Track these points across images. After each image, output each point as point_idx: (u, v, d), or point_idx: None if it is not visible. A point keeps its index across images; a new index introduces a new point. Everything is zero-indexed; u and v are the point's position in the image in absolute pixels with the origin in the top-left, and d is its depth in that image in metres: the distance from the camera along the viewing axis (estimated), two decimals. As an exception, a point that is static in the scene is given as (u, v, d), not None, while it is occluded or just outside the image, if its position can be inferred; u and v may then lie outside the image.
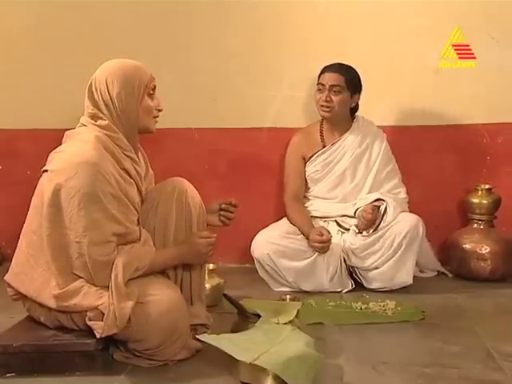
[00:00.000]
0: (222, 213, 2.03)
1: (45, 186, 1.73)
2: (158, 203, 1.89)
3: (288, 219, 2.70)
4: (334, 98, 2.62)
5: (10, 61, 3.07)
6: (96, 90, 1.80)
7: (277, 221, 2.76)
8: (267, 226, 2.69)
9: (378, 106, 2.92)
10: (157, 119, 1.88)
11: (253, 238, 2.62)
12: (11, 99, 3.07)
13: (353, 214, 2.64)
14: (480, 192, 2.77)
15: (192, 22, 2.99)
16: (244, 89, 2.98)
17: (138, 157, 1.88)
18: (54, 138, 3.00)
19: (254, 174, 3.03)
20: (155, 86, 1.85)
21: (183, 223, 1.90)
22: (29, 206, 2.92)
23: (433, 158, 2.96)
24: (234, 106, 2.99)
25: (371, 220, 2.54)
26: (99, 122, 1.79)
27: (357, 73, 2.67)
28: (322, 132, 2.75)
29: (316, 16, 2.94)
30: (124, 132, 1.81)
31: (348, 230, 2.64)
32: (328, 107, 2.63)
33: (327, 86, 2.62)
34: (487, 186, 2.76)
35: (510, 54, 2.88)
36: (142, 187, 1.88)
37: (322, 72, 2.67)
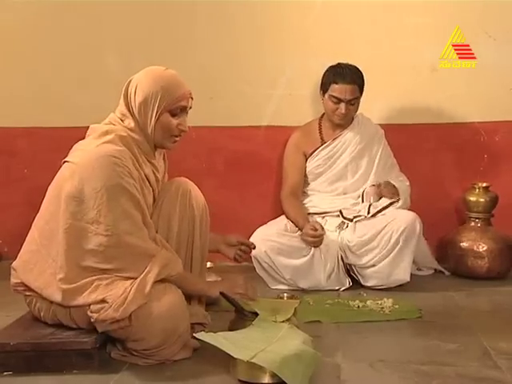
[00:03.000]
0: (238, 252, 2.12)
1: (66, 178, 1.72)
2: (162, 204, 1.90)
3: (284, 213, 2.71)
4: (351, 108, 2.64)
5: (7, 59, 3.07)
6: (129, 91, 1.81)
7: (274, 218, 2.76)
8: (265, 223, 2.70)
9: (375, 104, 2.92)
10: (177, 139, 1.86)
11: (250, 236, 2.62)
12: (8, 97, 3.07)
13: (351, 206, 2.69)
14: (477, 190, 2.77)
15: (189, 21, 2.99)
16: (241, 87, 2.98)
17: (158, 160, 1.90)
18: (51, 137, 3.04)
19: (252, 172, 3.03)
20: (185, 107, 1.82)
21: (186, 224, 1.91)
22: (26, 203, 2.93)
23: (430, 156, 2.97)
24: (231, 104, 3.00)
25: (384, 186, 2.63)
26: (127, 122, 1.80)
27: (362, 72, 2.66)
28: (320, 129, 2.77)
29: (313, 14, 2.94)
30: (145, 139, 1.81)
31: (351, 220, 2.64)
32: (345, 117, 2.65)
33: (345, 100, 2.61)
34: (484, 184, 2.77)
35: (507, 52, 2.89)
36: (157, 193, 1.90)
37: (335, 82, 2.61)
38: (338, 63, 2.67)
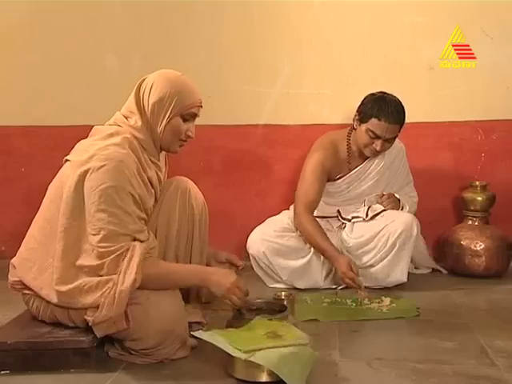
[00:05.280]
0: None
1: (68, 177, 1.72)
2: (161, 203, 1.90)
3: (303, 231, 2.55)
4: (386, 145, 2.52)
5: (3, 58, 3.06)
6: (142, 90, 1.80)
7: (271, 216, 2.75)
8: (262, 222, 2.68)
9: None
10: (183, 144, 1.86)
11: (248, 235, 2.61)
12: (4, 96, 3.06)
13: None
14: (475, 188, 2.78)
15: (186, 19, 2.98)
16: (239, 86, 2.98)
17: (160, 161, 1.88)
18: (48, 135, 3.03)
19: (249, 170, 3.03)
20: (196, 114, 1.83)
21: (186, 223, 1.91)
22: (23, 202, 2.92)
23: (428, 154, 2.97)
24: (229, 103, 2.99)
25: (386, 198, 2.59)
26: (134, 119, 1.79)
27: (405, 110, 2.51)
28: (349, 155, 2.63)
29: (310, 12, 2.94)
30: (151, 138, 1.81)
31: (349, 220, 2.63)
32: (378, 153, 2.55)
33: (383, 138, 2.48)
34: (482, 183, 2.77)
35: (505, 51, 2.89)
36: (158, 195, 1.89)
37: (378, 118, 2.44)
38: (383, 95, 2.50)
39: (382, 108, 2.45)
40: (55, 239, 1.70)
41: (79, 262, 1.67)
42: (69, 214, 1.68)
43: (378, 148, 2.50)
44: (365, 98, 2.54)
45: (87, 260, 1.67)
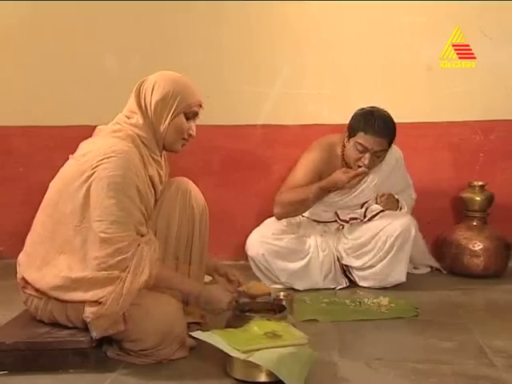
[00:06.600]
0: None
1: (71, 173, 1.72)
2: (162, 203, 1.90)
3: (287, 204, 2.53)
4: (375, 160, 2.51)
5: (3, 58, 3.06)
6: (143, 89, 1.81)
7: (271, 216, 2.75)
8: (261, 222, 2.69)
9: (372, 102, 2.92)
10: (185, 143, 1.87)
11: (247, 235, 2.61)
12: (4, 96, 3.07)
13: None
14: (473, 189, 2.78)
15: (186, 19, 2.99)
16: (238, 86, 2.98)
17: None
18: (48, 135, 3.04)
19: (248, 170, 3.04)
20: (197, 113, 1.84)
21: (186, 224, 1.91)
22: (22, 202, 2.92)
23: (426, 154, 2.97)
24: (228, 103, 3.00)
25: (385, 199, 2.58)
26: (135, 118, 1.79)
27: (395, 125, 2.51)
28: (343, 166, 2.58)
29: (309, 12, 2.94)
30: (153, 137, 1.81)
31: (347, 221, 2.62)
32: (367, 168, 2.50)
33: (370, 151, 2.46)
34: (480, 183, 2.78)
35: (504, 51, 2.90)
36: (159, 195, 1.89)
37: (364, 131, 2.45)
38: (372, 109, 2.50)
39: (369, 121, 2.45)
40: (58, 233, 1.71)
41: (90, 254, 1.65)
42: (81, 210, 1.68)
43: (365, 162, 2.47)
44: (354, 114, 2.54)
45: (95, 250, 1.64)
